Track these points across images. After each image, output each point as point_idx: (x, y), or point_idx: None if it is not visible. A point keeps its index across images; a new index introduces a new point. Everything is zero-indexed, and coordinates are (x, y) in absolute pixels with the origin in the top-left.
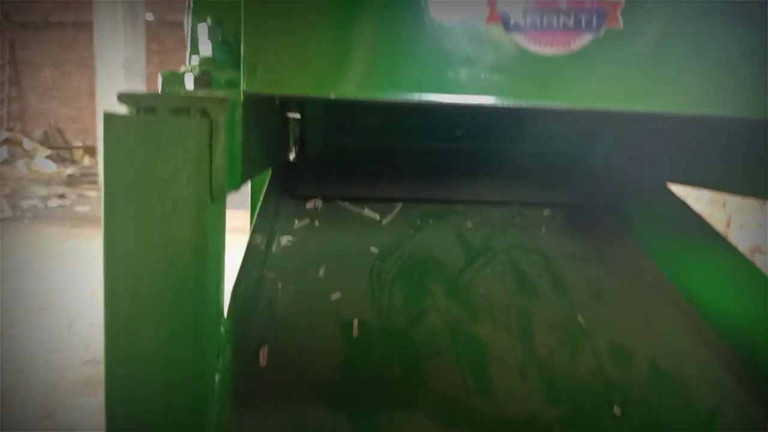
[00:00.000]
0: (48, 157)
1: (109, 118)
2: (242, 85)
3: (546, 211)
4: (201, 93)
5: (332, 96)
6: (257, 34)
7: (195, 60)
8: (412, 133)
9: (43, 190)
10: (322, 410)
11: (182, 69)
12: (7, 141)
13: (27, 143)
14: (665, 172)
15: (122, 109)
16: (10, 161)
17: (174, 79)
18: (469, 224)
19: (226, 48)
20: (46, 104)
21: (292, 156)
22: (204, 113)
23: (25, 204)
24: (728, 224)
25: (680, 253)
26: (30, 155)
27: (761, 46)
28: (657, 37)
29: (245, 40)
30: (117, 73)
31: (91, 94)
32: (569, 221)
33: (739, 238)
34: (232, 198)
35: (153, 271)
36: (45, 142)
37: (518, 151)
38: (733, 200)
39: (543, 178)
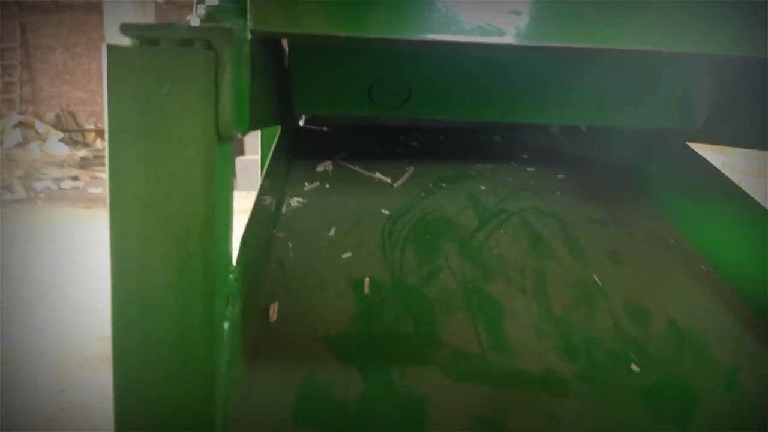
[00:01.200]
0: (61, 140)
1: (111, 49)
2: (249, 23)
3: (561, 176)
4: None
5: (342, 35)
6: None
7: (201, 9)
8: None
9: (56, 173)
10: (334, 364)
11: (188, 17)
12: (20, 124)
13: (40, 126)
14: (685, 130)
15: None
16: (23, 144)
17: None
18: (482, 187)
19: None
20: (57, 87)
21: (302, 122)
22: (209, 45)
23: (39, 186)
24: None
25: (700, 212)
26: (42, 138)
27: None
28: None
29: None
30: None
31: (102, 77)
32: (585, 184)
33: None
34: (243, 180)
35: (161, 213)
36: (57, 125)
37: (533, 129)
38: (743, 181)
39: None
